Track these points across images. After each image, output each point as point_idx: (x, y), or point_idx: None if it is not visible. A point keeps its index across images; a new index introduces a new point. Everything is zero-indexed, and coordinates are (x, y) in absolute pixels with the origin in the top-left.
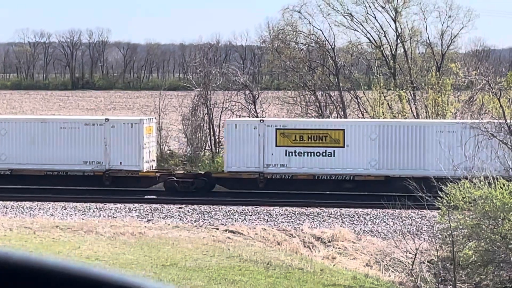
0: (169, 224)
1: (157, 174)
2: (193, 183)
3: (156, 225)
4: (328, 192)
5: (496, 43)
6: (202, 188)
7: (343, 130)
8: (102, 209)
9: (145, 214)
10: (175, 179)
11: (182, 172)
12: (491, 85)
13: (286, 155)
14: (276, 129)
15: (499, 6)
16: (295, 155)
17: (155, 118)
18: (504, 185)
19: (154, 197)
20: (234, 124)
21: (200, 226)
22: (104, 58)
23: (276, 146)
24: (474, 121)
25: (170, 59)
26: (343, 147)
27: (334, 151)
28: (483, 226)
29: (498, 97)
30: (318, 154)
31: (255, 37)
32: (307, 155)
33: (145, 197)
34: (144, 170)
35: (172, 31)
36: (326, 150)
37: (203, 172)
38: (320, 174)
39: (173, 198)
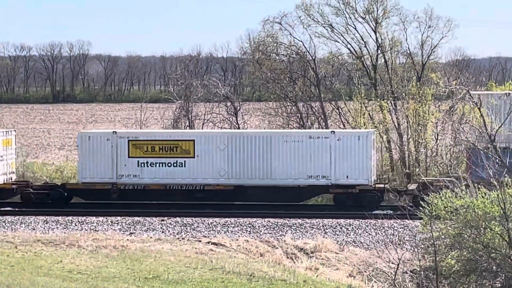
0: (151, 237)
1: (13, 186)
2: (49, 195)
3: (139, 238)
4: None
5: (476, 53)
6: (58, 199)
7: (193, 140)
8: (84, 223)
9: (127, 227)
10: (32, 190)
11: (39, 184)
12: (472, 94)
13: (138, 166)
14: (129, 141)
15: (478, 16)
16: (147, 166)
17: (14, 130)
18: (485, 194)
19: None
20: (88, 136)
21: (183, 239)
22: (85, 71)
23: (129, 157)
24: (318, 131)
25: (151, 71)
26: (194, 157)
27: (184, 161)
28: (465, 236)
29: (479, 106)
30: (169, 164)
31: (236, 48)
32: (159, 166)
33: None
34: (1, 182)
35: (153, 44)
36: (177, 161)
37: (59, 184)
38: (171, 184)
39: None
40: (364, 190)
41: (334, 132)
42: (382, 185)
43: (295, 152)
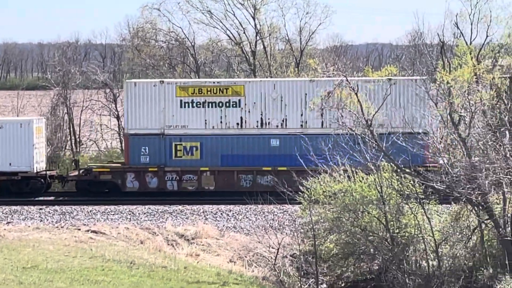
0: (29, 226)
1: None
2: None
3: (16, 227)
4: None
5: (353, 39)
6: None
7: None
8: None
9: (4, 216)
10: None
11: None
12: (349, 80)
13: None
14: None
15: (355, 2)
16: None
17: None
18: (363, 179)
19: None
20: None
21: (62, 227)
22: None
23: None
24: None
25: (28, 58)
26: None
27: None
28: (344, 219)
29: (356, 92)
30: None
31: (115, 35)
32: None
33: None
34: None
35: (30, 30)
36: None
37: None
38: None
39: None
40: (26, 177)
41: None
42: (44, 173)
43: None
